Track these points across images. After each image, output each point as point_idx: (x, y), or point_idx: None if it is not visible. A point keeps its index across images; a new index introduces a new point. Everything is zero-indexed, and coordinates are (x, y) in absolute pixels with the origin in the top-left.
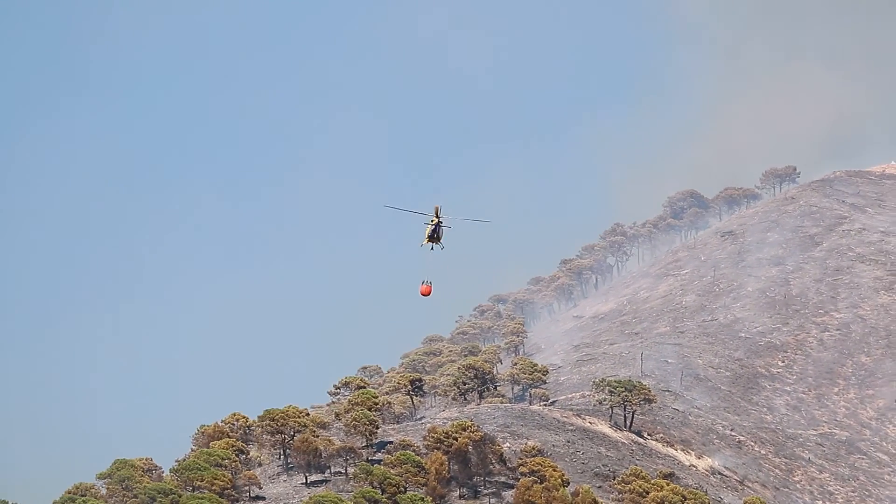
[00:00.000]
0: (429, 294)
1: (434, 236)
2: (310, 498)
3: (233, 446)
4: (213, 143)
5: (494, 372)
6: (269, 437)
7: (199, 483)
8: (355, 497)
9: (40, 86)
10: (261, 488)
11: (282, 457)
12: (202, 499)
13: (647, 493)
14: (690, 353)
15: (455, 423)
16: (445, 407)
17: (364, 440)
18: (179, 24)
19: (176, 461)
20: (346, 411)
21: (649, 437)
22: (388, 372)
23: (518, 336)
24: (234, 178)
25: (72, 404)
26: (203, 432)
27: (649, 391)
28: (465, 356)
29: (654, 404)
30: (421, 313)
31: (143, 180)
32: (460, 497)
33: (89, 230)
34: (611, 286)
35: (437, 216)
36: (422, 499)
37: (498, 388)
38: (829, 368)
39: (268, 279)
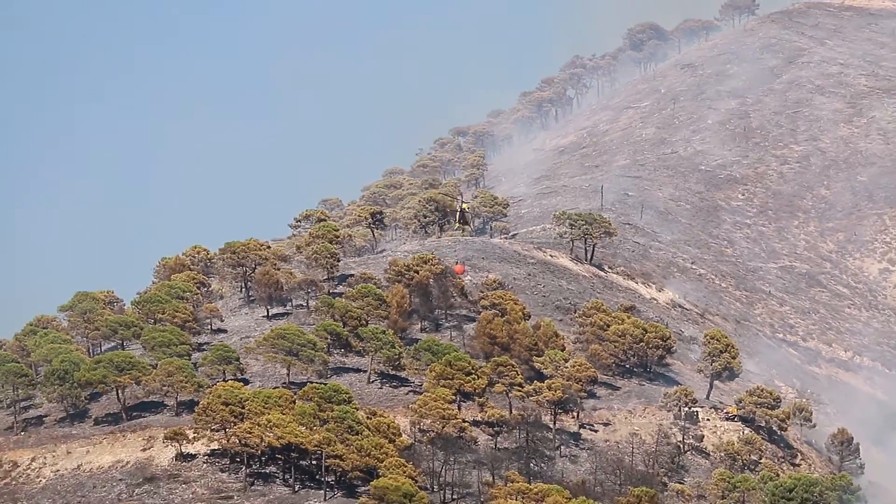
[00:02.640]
0: (462, 273)
1: (462, 220)
2: (271, 330)
3: (194, 279)
4: None
5: (455, 205)
6: (230, 269)
7: (160, 315)
8: (317, 330)
9: None
10: (222, 321)
11: (243, 290)
12: (164, 331)
13: (608, 325)
14: (651, 186)
15: (416, 256)
16: (406, 240)
17: (325, 273)
18: None
19: (137, 294)
20: (307, 244)
21: (610, 271)
22: (349, 205)
23: (478, 169)
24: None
25: (33, 237)
26: (164, 265)
27: (610, 224)
28: (426, 189)
29: (614, 237)
30: (381, 146)
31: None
32: (422, 330)
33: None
34: (570, 119)
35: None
36: (383, 331)
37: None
38: (788, 201)
39: (230, 112)
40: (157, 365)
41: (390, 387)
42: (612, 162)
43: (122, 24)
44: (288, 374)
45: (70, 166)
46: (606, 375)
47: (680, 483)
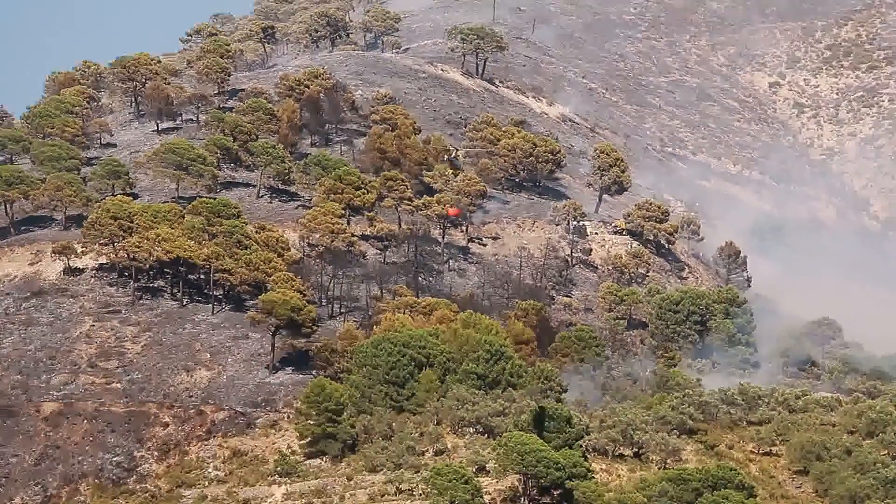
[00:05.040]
0: (457, 215)
1: (453, 167)
2: (161, 145)
3: (84, 94)
4: None
5: (347, 19)
6: (120, 84)
7: (49, 130)
8: (207, 144)
9: None
10: (112, 135)
11: (133, 104)
12: (53, 146)
13: (499, 140)
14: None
15: (307, 70)
16: (297, 55)
17: (216, 88)
18: None
19: (27, 108)
20: (198, 59)
21: (501, 85)
22: (240, 19)
23: None
24: None
25: None
26: (54, 79)
27: (501, 38)
28: (318, 3)
29: (505, 52)
30: None
31: None
32: (312, 144)
33: None
34: None
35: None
36: (273, 146)
37: (350, 35)
38: (681, 15)
39: None
40: (45, 179)
41: (279, 201)
42: None
43: None
44: (177, 189)
45: None
46: (496, 189)
47: (567, 296)
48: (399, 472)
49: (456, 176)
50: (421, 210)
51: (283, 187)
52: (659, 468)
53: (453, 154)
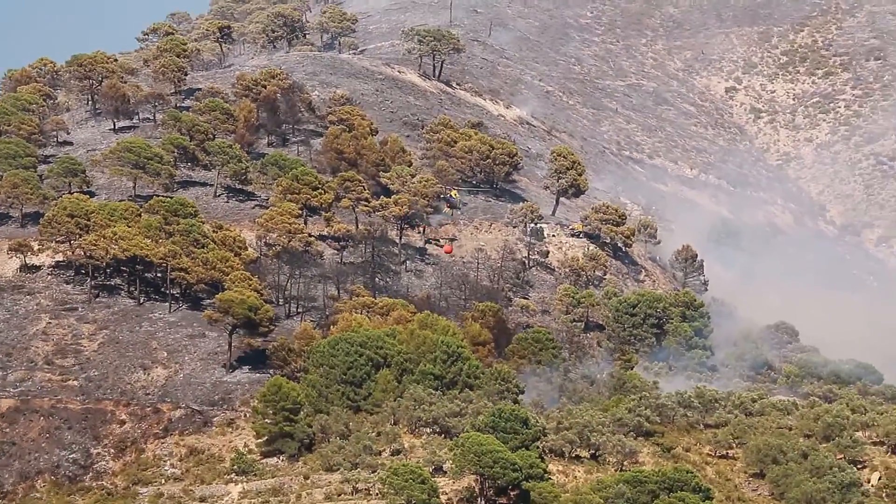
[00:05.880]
0: (450, 252)
1: (451, 206)
2: (118, 143)
3: (40, 91)
4: None
5: (303, 20)
6: (76, 82)
7: (6, 127)
8: (164, 143)
9: None
10: (68, 133)
11: (90, 102)
12: (9, 143)
13: (456, 142)
14: (499, 2)
15: (264, 70)
16: (254, 55)
17: (172, 87)
18: None
19: None
20: (155, 58)
21: (458, 87)
22: (197, 18)
23: None
24: None
25: None
26: (10, 77)
27: (458, 41)
28: (275, 4)
29: (462, 54)
30: None
31: None
32: (269, 144)
33: None
34: None
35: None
36: (230, 146)
37: (307, 36)
38: (637, 19)
39: None
40: (2, 177)
41: (237, 201)
42: None
43: None
44: (134, 188)
45: None
46: None
47: (525, 298)
48: (356, 472)
49: (451, 213)
50: (378, 211)
51: (240, 187)
52: (616, 470)
53: (449, 193)
